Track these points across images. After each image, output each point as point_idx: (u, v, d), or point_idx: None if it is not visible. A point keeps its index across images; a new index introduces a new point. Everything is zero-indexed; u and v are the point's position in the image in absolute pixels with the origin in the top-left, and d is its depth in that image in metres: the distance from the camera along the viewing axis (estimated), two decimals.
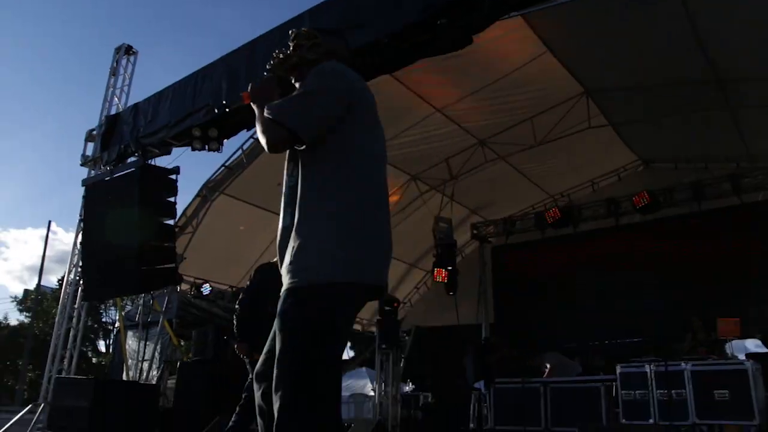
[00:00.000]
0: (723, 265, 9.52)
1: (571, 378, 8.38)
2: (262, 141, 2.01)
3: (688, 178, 10.27)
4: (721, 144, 9.63)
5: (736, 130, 8.96)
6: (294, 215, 1.97)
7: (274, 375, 1.86)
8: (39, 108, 66.03)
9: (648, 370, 7.00)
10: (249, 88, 2.15)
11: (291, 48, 2.22)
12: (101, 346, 35.25)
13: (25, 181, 65.83)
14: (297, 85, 2.19)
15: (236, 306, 4.73)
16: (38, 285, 27.16)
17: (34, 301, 27.87)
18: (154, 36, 67.98)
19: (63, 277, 34.06)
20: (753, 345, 7.72)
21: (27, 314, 32.16)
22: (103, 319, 34.46)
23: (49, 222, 44.49)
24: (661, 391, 6.79)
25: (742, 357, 7.10)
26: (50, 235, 64.01)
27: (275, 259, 2.13)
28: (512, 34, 7.25)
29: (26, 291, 33.60)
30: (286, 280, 1.92)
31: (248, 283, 4.89)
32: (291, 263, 1.91)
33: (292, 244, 1.93)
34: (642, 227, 10.53)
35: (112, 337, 35.52)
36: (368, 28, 5.49)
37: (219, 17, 69.34)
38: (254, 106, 2.09)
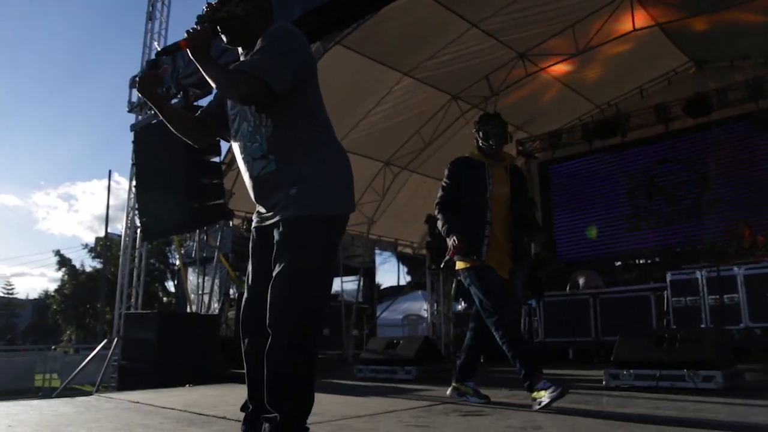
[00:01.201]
0: None
1: (621, 288, 8.36)
2: (230, 90, 2.15)
3: (744, 77, 9.75)
4: None
5: None
6: (278, 162, 2.19)
7: (287, 294, 2.08)
8: (89, 61, 67.25)
9: (699, 276, 6.93)
10: (186, 36, 2.17)
11: (217, 2, 2.25)
12: (170, 286, 36.95)
13: (86, 135, 67.98)
14: (223, 38, 2.26)
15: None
16: (106, 233, 28.49)
17: (104, 248, 29.21)
18: None
19: None
20: None
21: (99, 260, 33.79)
22: (170, 261, 35.93)
23: (110, 171, 45.88)
24: (713, 297, 6.74)
25: None
26: (113, 184, 66.36)
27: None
28: None
29: (96, 239, 35.18)
30: (290, 211, 2.15)
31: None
32: (296, 198, 2.15)
33: (289, 184, 2.16)
34: (694, 131, 10.13)
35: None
36: None
37: None
38: (195, 56, 2.16)
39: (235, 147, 2.33)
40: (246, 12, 2.26)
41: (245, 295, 2.33)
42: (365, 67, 8.84)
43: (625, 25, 8.71)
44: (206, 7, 2.27)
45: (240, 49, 2.33)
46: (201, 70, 2.16)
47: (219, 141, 7.81)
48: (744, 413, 3.09)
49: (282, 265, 2.10)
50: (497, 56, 9.51)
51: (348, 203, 2.27)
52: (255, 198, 2.30)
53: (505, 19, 8.49)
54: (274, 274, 2.12)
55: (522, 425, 2.87)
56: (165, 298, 35.64)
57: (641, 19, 8.79)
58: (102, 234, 38.16)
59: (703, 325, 6.66)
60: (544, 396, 3.24)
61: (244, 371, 2.29)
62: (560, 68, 9.92)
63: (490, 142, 3.83)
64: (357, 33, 7.99)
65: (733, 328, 6.50)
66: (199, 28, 2.20)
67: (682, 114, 9.89)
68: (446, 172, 3.92)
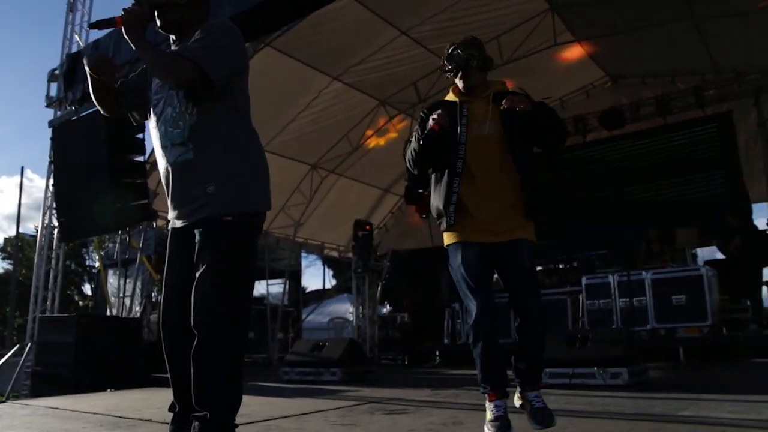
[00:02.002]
0: (685, 176, 9.80)
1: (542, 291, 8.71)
2: (167, 72, 2.15)
3: (654, 93, 10.41)
4: (687, 57, 9.68)
5: (701, 42, 9.02)
6: (196, 152, 2.18)
7: (211, 294, 2.10)
8: (4, 52, 63.72)
9: (611, 280, 7.33)
10: (122, 14, 2.18)
11: None
12: (87, 289, 35.48)
13: None
14: (158, 22, 2.27)
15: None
16: (17, 232, 27.06)
17: (15, 248, 27.76)
18: None
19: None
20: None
21: (9, 262, 32.10)
22: (87, 263, 34.50)
23: (22, 168, 43.63)
24: (624, 300, 7.14)
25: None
26: (25, 181, 62.99)
27: None
28: None
29: (5, 239, 33.32)
30: (211, 209, 2.16)
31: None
32: (216, 196, 2.16)
33: (205, 178, 2.17)
34: (608, 142, 10.70)
35: (95, 279, 35.77)
36: None
37: None
38: (129, 34, 2.17)
39: (154, 132, 2.32)
40: (185, 2, 2.28)
41: (164, 295, 2.31)
42: (295, 69, 8.86)
43: (547, 39, 9.10)
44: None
45: (172, 37, 2.34)
46: (135, 47, 2.16)
47: (143, 140, 7.75)
48: (646, 405, 3.34)
49: (205, 265, 2.11)
50: (425, 64, 9.72)
51: (267, 201, 2.30)
52: (169, 188, 2.27)
53: (433, 27, 8.72)
54: (197, 274, 2.12)
55: (443, 421, 3.01)
56: (81, 302, 34.18)
57: (562, 34, 9.21)
58: (12, 234, 36.24)
59: (614, 326, 7.04)
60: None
61: (168, 372, 2.28)
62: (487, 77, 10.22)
63: (458, 72, 2.84)
64: (287, 36, 8.02)
65: (641, 329, 6.91)
66: (137, 7, 2.20)
67: (599, 126, 10.43)
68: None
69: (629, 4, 8.23)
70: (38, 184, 65.04)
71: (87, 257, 34.22)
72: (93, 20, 2.56)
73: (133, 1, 2.23)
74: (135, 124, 2.56)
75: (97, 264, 13.19)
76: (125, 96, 2.41)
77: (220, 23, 2.26)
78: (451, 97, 2.90)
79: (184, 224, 2.25)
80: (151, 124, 2.34)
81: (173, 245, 2.33)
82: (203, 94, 2.18)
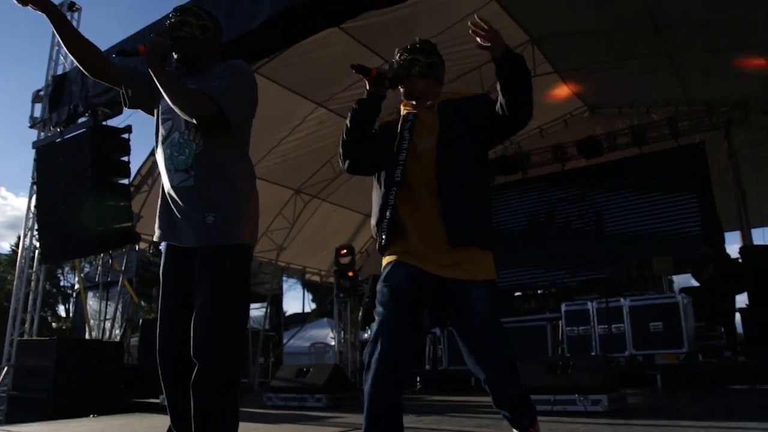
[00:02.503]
0: (661, 204, 10.06)
1: (520, 318, 8.84)
2: (188, 107, 2.24)
3: (631, 123, 10.72)
4: (662, 89, 9.97)
5: (675, 75, 9.32)
6: (197, 180, 2.30)
7: (211, 324, 2.19)
8: None
9: (590, 307, 7.47)
10: (146, 43, 2.30)
11: (180, 19, 2.42)
12: (61, 311, 34.89)
13: None
14: (175, 55, 2.41)
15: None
16: None
17: None
18: None
19: (17, 243, 33.23)
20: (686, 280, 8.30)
21: None
22: (62, 284, 33.98)
23: None
24: (602, 326, 7.27)
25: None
26: (0, 200, 62.05)
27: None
28: None
29: None
30: (211, 239, 2.26)
31: None
32: (215, 226, 2.27)
33: (203, 206, 2.29)
34: (587, 171, 10.96)
35: (71, 301, 35.19)
36: None
37: None
38: (151, 64, 2.28)
39: (160, 151, 2.42)
40: (204, 38, 2.43)
41: (161, 323, 2.35)
42: (280, 96, 8.97)
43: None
44: (168, 23, 2.41)
45: (186, 70, 2.47)
46: (155, 77, 2.27)
47: (128, 163, 7.77)
48: None
49: (204, 294, 2.21)
50: None
51: (256, 234, 2.45)
52: (168, 207, 2.36)
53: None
54: (196, 303, 2.21)
55: None
56: (55, 323, 33.57)
57: (542, 65, 9.45)
58: None
59: (593, 353, 7.16)
60: None
61: (165, 399, 2.34)
62: None
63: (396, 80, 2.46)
64: (274, 63, 8.13)
65: (620, 355, 7.05)
66: (159, 39, 2.32)
67: (577, 154, 10.69)
68: None
69: (606, 38, 8.48)
70: (12, 203, 63.97)
71: (62, 278, 33.76)
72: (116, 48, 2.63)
73: (156, 34, 2.34)
74: (125, 104, 2.55)
75: (75, 285, 13.03)
76: (126, 78, 2.48)
77: (240, 66, 2.39)
78: (402, 111, 2.61)
79: (179, 245, 2.33)
80: (159, 143, 2.43)
81: (168, 263, 2.40)
82: (216, 129, 2.29)
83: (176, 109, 2.28)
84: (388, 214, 2.34)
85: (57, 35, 2.41)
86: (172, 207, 2.34)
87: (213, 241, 2.25)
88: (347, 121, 2.41)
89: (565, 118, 11.65)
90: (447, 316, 2.39)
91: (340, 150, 2.46)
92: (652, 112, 10.71)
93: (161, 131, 2.42)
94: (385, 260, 2.38)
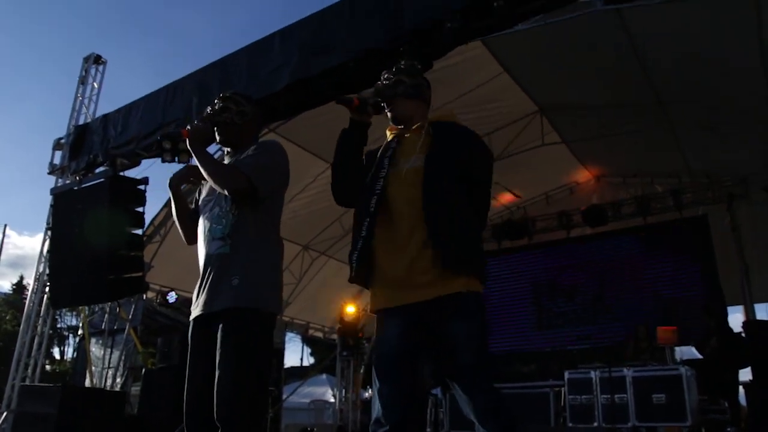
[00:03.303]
0: (665, 275, 10.16)
1: (523, 384, 8.82)
2: (224, 183, 2.48)
3: (635, 193, 10.93)
4: (665, 160, 10.21)
5: (678, 148, 9.58)
6: (232, 248, 2.49)
7: (234, 388, 2.30)
8: (7, 114, 64.51)
9: (593, 376, 7.47)
10: (189, 127, 2.55)
11: (221, 106, 2.66)
12: (56, 353, 34.51)
13: None
14: (218, 138, 2.65)
15: None
16: None
17: None
18: (121, 42, 67.26)
19: (18, 282, 33.13)
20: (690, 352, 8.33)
21: None
22: (58, 326, 33.72)
23: (5, 226, 43.37)
24: (605, 396, 7.26)
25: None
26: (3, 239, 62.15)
27: None
28: (471, 56, 7.67)
29: None
30: (235, 301, 2.41)
31: None
32: (240, 289, 2.42)
33: (234, 272, 2.45)
34: (591, 239, 11.10)
35: (67, 344, 34.90)
36: (335, 52, 5.80)
37: (187, 23, 68.94)
38: (193, 147, 2.52)
39: (201, 224, 2.63)
40: (242, 122, 2.67)
41: (188, 386, 2.45)
42: (295, 154, 9.19)
43: (536, 138, 9.61)
44: (210, 109, 2.65)
45: (228, 149, 2.73)
46: (196, 158, 2.51)
47: (143, 214, 7.93)
48: None
49: (227, 359, 2.32)
50: None
51: (281, 304, 2.69)
52: (204, 277, 2.51)
53: None
54: (219, 367, 2.32)
55: None
56: (49, 366, 33.13)
57: (550, 134, 9.73)
58: None
59: (596, 423, 7.14)
60: None
61: None
62: None
63: (380, 104, 2.46)
64: (290, 123, 8.41)
65: (623, 426, 7.01)
66: (201, 124, 2.56)
67: (582, 222, 10.86)
68: None
69: (612, 110, 8.77)
70: (14, 241, 64.17)
71: (59, 320, 33.53)
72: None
73: (199, 119, 2.56)
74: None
75: (71, 327, 13.02)
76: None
77: (272, 144, 2.65)
78: (387, 136, 2.59)
79: (204, 311, 2.46)
80: (201, 217, 2.65)
81: (196, 337, 2.53)
82: (247, 201, 2.49)
83: (216, 186, 2.51)
84: (359, 244, 2.30)
85: (176, 206, 2.72)
86: (208, 274, 2.50)
87: (237, 304, 2.40)
88: (334, 153, 2.46)
89: (571, 186, 11.87)
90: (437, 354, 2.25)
91: (331, 184, 2.49)
92: (656, 183, 10.94)
93: (203, 211, 2.65)
94: (371, 302, 2.34)
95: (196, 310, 2.52)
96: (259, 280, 2.47)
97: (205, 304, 2.46)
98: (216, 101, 2.69)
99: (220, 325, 2.39)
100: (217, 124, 2.63)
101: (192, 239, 2.73)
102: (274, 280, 2.57)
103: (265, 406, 2.52)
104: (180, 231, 2.76)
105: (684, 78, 7.57)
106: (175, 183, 2.69)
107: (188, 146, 2.53)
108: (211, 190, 2.63)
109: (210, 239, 2.54)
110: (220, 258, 2.48)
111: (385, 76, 2.54)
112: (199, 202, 2.72)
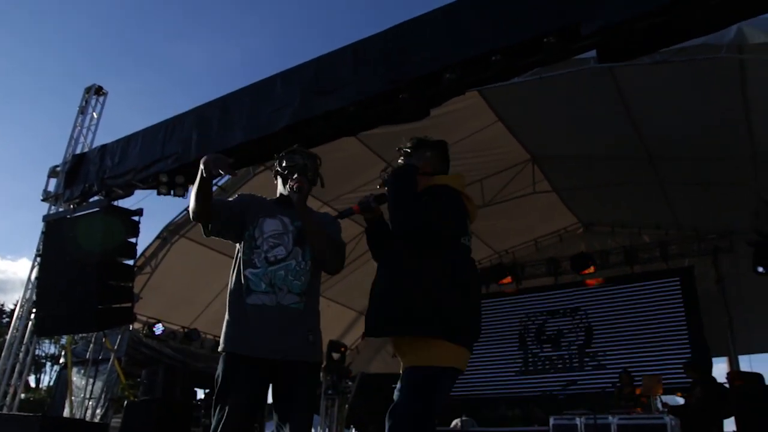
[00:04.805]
0: (650, 324, 10.27)
1: (507, 429, 8.82)
2: (323, 247, 2.81)
3: (623, 242, 11.12)
4: (653, 212, 10.42)
5: (665, 201, 9.78)
6: (306, 305, 2.73)
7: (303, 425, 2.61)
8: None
9: (579, 423, 7.48)
10: (300, 185, 2.84)
11: (310, 164, 2.99)
12: (31, 380, 33.80)
13: None
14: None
15: None
16: None
17: None
18: (118, 72, 67.93)
19: None
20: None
21: None
22: (36, 353, 33.10)
23: None
24: None
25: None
26: None
27: None
28: (467, 105, 7.87)
29: None
30: (313, 357, 2.72)
31: None
32: (315, 346, 2.74)
33: (306, 328, 2.71)
34: (579, 285, 11.23)
35: (44, 372, 34.22)
36: (336, 94, 5.95)
37: (186, 56, 69.80)
38: (299, 206, 2.81)
39: (268, 267, 2.73)
40: (312, 178, 3.02)
41: (227, 420, 2.52)
42: None
43: (527, 186, 9.79)
44: (304, 172, 2.94)
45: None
46: (301, 218, 2.78)
47: (136, 245, 7.95)
48: None
49: (301, 403, 2.61)
50: None
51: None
52: (265, 322, 2.64)
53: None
54: (294, 409, 2.59)
55: None
56: (23, 394, 32.40)
57: (541, 182, 9.92)
58: None
59: None
60: None
61: None
62: None
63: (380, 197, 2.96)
64: None
65: None
66: (305, 180, 2.83)
67: (570, 269, 10.99)
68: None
69: (602, 163, 8.99)
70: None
71: (37, 347, 32.90)
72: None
73: (298, 178, 2.84)
74: (206, 233, 2.87)
75: (62, 359, 12.85)
76: (221, 211, 2.82)
77: (339, 225, 3.05)
78: None
79: (270, 357, 2.61)
80: (262, 257, 2.74)
81: (242, 373, 2.60)
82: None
83: (315, 247, 2.78)
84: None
85: (201, 192, 2.70)
86: (274, 323, 2.65)
87: (315, 359, 2.69)
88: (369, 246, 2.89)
89: (560, 233, 12.05)
90: None
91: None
92: (643, 234, 11.15)
93: (264, 251, 2.76)
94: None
95: (252, 352, 2.60)
96: (319, 338, 2.77)
97: (274, 351, 2.60)
98: (302, 161, 2.99)
99: (295, 374, 2.62)
100: (312, 182, 2.98)
101: (201, 218, 2.77)
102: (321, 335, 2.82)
103: None
104: (194, 206, 2.72)
105: (673, 134, 7.81)
106: (214, 169, 2.58)
107: (296, 205, 2.80)
108: (279, 235, 2.80)
109: (286, 291, 2.69)
110: (295, 313, 2.68)
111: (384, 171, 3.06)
112: (257, 231, 2.80)
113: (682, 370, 8.59)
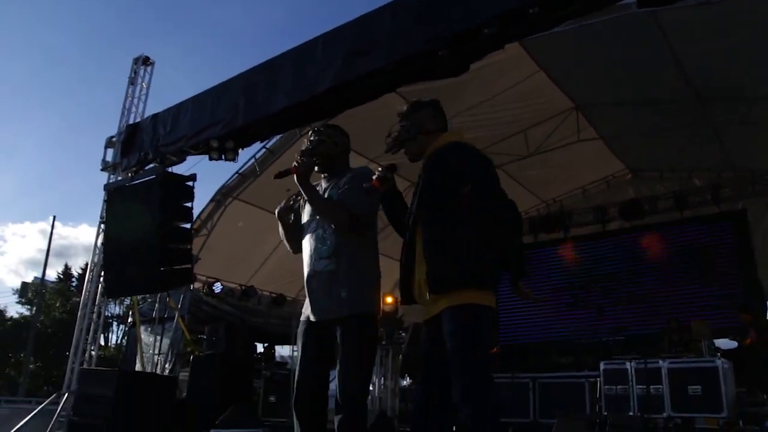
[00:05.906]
0: (701, 269, 10.17)
1: (558, 374, 8.99)
2: (330, 219, 2.92)
3: (672, 187, 10.93)
4: (704, 155, 10.16)
5: (719, 143, 9.54)
6: (337, 265, 2.92)
7: (350, 375, 2.85)
8: (40, 102, 66.39)
9: (629, 367, 7.61)
10: (296, 164, 2.90)
11: (317, 140, 3.02)
12: (101, 339, 35.65)
13: (24, 174, 66.13)
14: (317, 168, 3.03)
15: None
16: (42, 279, 27.85)
17: (37, 294, 28.33)
18: (160, 37, 68.60)
19: (63, 271, 34.17)
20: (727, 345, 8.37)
21: (28, 307, 32.50)
22: (105, 313, 34.78)
23: (54, 218, 45.15)
24: (641, 387, 7.40)
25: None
26: (47, 228, 64.29)
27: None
28: (508, 56, 7.80)
29: (24, 284, 33.81)
30: (345, 311, 2.85)
31: None
32: (348, 300, 2.86)
33: (340, 285, 2.88)
34: (627, 232, 11.15)
35: (111, 331, 36.04)
36: (374, 55, 6.00)
37: (229, 18, 69.90)
38: (301, 183, 2.90)
39: (307, 242, 3.05)
40: (337, 151, 3.08)
41: (299, 377, 2.92)
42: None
43: (571, 134, 9.70)
44: (308, 144, 3.03)
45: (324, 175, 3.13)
46: (304, 194, 2.92)
47: (192, 209, 8.31)
48: None
49: (344, 355, 2.84)
50: None
51: (379, 305, 3.06)
52: (311, 288, 2.95)
53: (465, 120, 9.33)
54: (341, 361, 2.83)
55: None
56: (94, 352, 34.18)
57: (585, 130, 9.81)
58: (28, 279, 36.81)
59: (630, 413, 7.27)
60: None
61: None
62: (513, 167, 10.77)
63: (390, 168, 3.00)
64: (335, 120, 8.64)
65: (658, 416, 7.14)
66: (304, 159, 2.92)
67: (618, 216, 10.92)
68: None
69: (647, 108, 8.81)
70: (59, 232, 66.18)
71: (104, 308, 34.50)
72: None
73: (301, 154, 2.94)
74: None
75: (131, 318, 13.58)
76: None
77: (365, 171, 3.02)
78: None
79: (318, 319, 2.91)
80: (304, 234, 3.07)
81: (308, 335, 2.97)
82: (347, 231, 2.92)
83: (326, 219, 2.95)
84: (400, 275, 2.75)
85: (284, 230, 3.23)
86: (317, 287, 2.93)
87: (346, 312, 2.85)
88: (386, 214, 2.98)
89: (608, 180, 11.91)
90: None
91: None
92: (694, 177, 10.92)
93: (306, 228, 3.08)
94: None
95: (309, 315, 2.97)
96: (359, 291, 2.88)
97: (318, 312, 2.92)
98: (311, 135, 3.09)
99: (338, 330, 2.85)
100: (318, 156, 3.00)
101: (297, 249, 3.16)
102: (371, 287, 2.97)
103: (368, 386, 3.07)
104: (287, 246, 3.22)
105: (722, 75, 7.60)
106: (282, 214, 3.16)
107: (296, 182, 2.90)
108: (313, 212, 3.03)
109: (317, 258, 2.95)
110: (329, 274, 2.90)
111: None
112: (302, 221, 3.12)
113: (733, 315, 8.56)
